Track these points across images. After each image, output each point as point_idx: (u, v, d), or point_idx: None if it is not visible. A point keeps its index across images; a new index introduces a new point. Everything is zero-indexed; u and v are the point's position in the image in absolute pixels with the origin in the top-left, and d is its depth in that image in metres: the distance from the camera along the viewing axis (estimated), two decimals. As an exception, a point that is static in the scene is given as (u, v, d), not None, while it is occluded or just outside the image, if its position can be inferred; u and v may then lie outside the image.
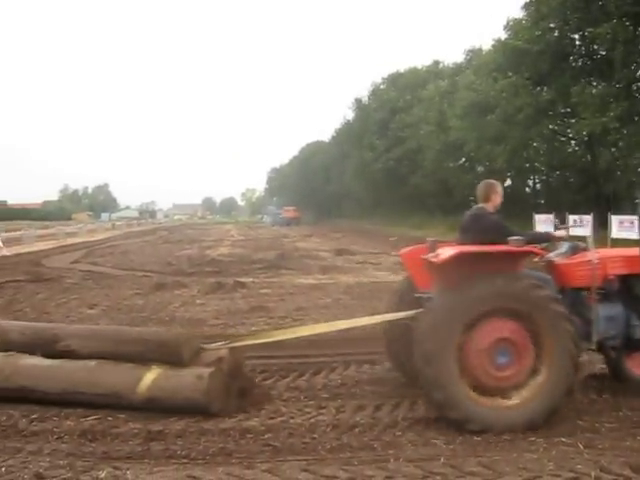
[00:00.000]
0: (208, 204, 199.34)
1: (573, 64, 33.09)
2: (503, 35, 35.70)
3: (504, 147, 34.17)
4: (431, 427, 5.55)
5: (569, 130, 33.60)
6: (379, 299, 12.99)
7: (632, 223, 24.89)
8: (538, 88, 33.26)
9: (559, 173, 42.08)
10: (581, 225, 27.81)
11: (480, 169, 45.63)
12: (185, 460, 4.96)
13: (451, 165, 47.15)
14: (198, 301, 13.35)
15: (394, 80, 61.86)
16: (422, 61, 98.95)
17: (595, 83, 29.28)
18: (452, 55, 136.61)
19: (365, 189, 66.09)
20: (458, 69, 48.16)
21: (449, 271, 5.80)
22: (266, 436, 5.42)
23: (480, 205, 6.62)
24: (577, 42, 32.72)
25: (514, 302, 5.65)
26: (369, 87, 67.34)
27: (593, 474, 4.49)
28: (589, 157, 36.18)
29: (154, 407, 5.95)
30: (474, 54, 45.93)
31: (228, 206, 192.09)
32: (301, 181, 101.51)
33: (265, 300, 13.32)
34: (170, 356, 6.27)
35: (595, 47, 31.11)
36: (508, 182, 45.78)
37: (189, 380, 6.00)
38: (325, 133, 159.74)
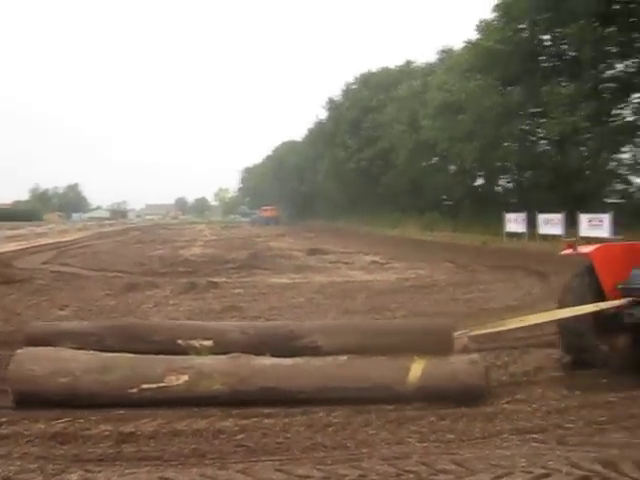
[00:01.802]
0: (181, 204, 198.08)
1: (543, 64, 33.41)
2: (475, 36, 36.05)
3: (475, 146, 34.45)
4: (404, 426, 5.56)
5: (539, 130, 33.87)
6: (352, 298, 13.12)
7: (601, 221, 25.23)
8: (509, 88, 33.56)
9: (530, 172, 42.42)
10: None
11: (452, 168, 45.90)
12: (158, 462, 4.90)
13: (423, 164, 47.35)
14: (171, 301, 13.29)
15: (366, 80, 62.05)
16: (394, 61, 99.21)
17: (565, 84, 29.53)
18: (424, 55, 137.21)
19: (338, 189, 66.26)
20: (430, 69, 48.40)
21: None
22: (239, 436, 5.38)
23: None
24: (547, 43, 33.06)
25: None
26: (342, 87, 67.59)
27: (564, 470, 4.51)
28: (559, 157, 36.55)
29: (425, 396, 6.04)
30: (446, 54, 46.20)
31: (201, 206, 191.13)
32: (274, 181, 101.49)
33: (238, 300, 13.30)
34: (438, 345, 6.40)
35: (564, 48, 31.46)
36: (480, 181, 46.23)
37: (464, 366, 6.19)
38: (298, 133, 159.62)
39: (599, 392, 6.50)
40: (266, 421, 5.74)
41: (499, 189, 45.96)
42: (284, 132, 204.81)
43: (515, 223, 31.59)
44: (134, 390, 6.05)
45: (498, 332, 7.48)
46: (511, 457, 4.78)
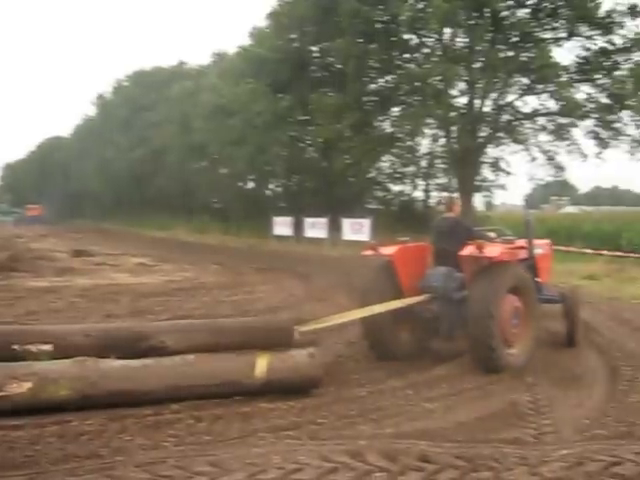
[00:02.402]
0: None
1: (312, 74, 34.68)
2: (248, 42, 36.61)
3: (245, 150, 34.96)
4: (161, 430, 5.51)
5: (307, 136, 35.15)
6: (116, 302, 12.72)
7: (362, 226, 26.65)
8: (279, 95, 34.44)
9: (298, 177, 43.86)
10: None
11: (223, 171, 46.22)
12: None
13: (195, 166, 47.24)
14: None
15: (139, 78, 60.65)
16: (167, 60, 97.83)
17: (331, 94, 30.86)
18: (198, 57, 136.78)
19: (107, 188, 63.93)
20: (203, 71, 48.43)
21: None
22: (-17, 452, 5.03)
23: (450, 214, 8.72)
24: (316, 54, 34.35)
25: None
26: (113, 83, 65.56)
27: (315, 463, 4.71)
28: (325, 163, 38.15)
29: (272, 389, 6.41)
30: (220, 58, 46.47)
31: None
32: (39, 178, 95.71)
33: (-10, 305, 12.36)
34: (280, 340, 6.81)
35: (331, 60, 32.86)
36: (250, 185, 46.97)
37: (303, 359, 6.63)
38: (65, 129, 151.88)
39: (351, 387, 6.87)
40: (14, 434, 5.39)
41: (269, 193, 47.01)
42: (50, 128, 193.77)
43: (283, 226, 32.39)
44: None
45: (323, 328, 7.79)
46: (266, 455, 4.89)
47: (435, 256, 8.64)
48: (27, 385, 5.77)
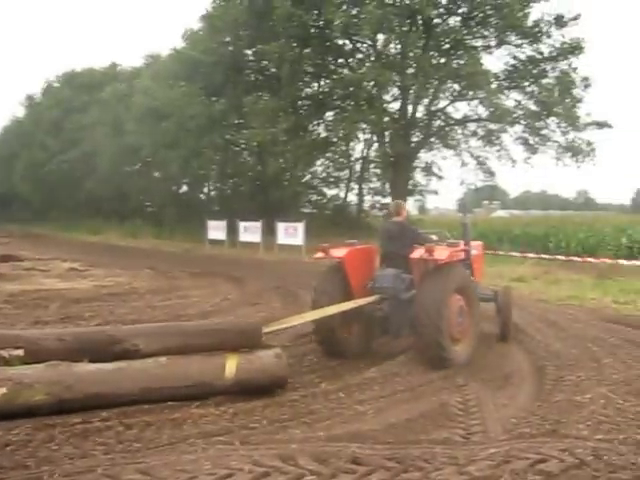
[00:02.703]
0: None
1: (246, 78, 34.59)
2: (181, 44, 36.27)
3: (179, 154, 34.61)
4: (90, 439, 5.38)
5: (242, 140, 35.00)
6: (44, 307, 12.42)
7: (295, 229, 26.71)
8: (213, 98, 34.24)
9: (232, 181, 43.70)
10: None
11: (157, 174, 45.71)
12: None
13: (127, 170, 46.56)
14: None
15: (70, 79, 59.41)
16: (100, 62, 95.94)
17: (266, 97, 30.80)
18: (131, 59, 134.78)
19: (36, 191, 62.26)
20: (137, 73, 47.73)
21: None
22: None
23: (397, 219, 9.18)
24: (250, 57, 34.27)
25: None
26: (42, 84, 64.06)
27: (247, 468, 4.68)
28: (260, 167, 38.14)
29: (242, 389, 6.56)
30: (153, 60, 45.91)
31: None
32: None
33: None
34: (248, 342, 6.95)
35: (266, 64, 32.83)
36: (184, 188, 46.59)
37: (270, 360, 6.81)
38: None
39: (284, 391, 6.86)
40: None
41: (203, 197, 46.75)
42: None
43: (217, 230, 32.18)
44: None
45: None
46: (196, 461, 4.84)
47: (383, 258, 9.06)
48: (1, 391, 5.70)
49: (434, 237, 9.35)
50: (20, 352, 6.24)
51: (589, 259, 19.84)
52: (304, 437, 5.49)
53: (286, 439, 5.44)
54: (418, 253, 8.15)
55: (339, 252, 8.83)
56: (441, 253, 8.07)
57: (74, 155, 52.03)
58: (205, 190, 47.05)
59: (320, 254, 8.98)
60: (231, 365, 6.63)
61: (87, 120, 49.71)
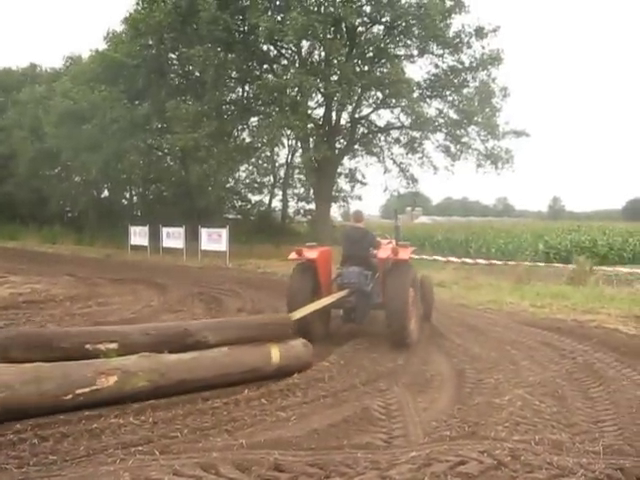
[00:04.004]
0: None
1: (170, 81, 34.17)
2: (103, 46, 35.51)
3: (100, 157, 33.89)
4: (2, 452, 5.18)
5: (165, 145, 34.54)
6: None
7: (220, 235, 26.54)
8: (136, 102, 33.68)
9: (155, 186, 43.07)
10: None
11: (77, 179, 44.66)
12: None
13: (47, 173, 45.29)
14: None
15: (-14, 80, 57.42)
16: (18, 62, 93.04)
17: (190, 102, 30.46)
18: (51, 60, 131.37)
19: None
20: (56, 75, 46.46)
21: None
22: None
23: (358, 225, 10.85)
24: (174, 61, 33.88)
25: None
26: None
27: (166, 478, 4.60)
28: (183, 172, 37.70)
29: (282, 374, 7.73)
30: (73, 61, 44.80)
31: None
32: None
33: None
34: (283, 333, 8.20)
35: (190, 68, 32.48)
36: (105, 193, 45.67)
37: (301, 348, 8.22)
38: None
39: (205, 399, 6.79)
40: None
41: (125, 202, 45.95)
42: None
43: (140, 236, 31.67)
44: (69, 397, 6.10)
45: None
46: (115, 472, 4.73)
47: (346, 258, 10.55)
48: (113, 379, 6.39)
49: (384, 241, 11.37)
50: (114, 345, 6.90)
51: (509, 263, 20.40)
52: (225, 445, 5.42)
53: (207, 447, 5.36)
54: (385, 253, 9.97)
55: (312, 254, 10.16)
56: (404, 253, 9.81)
57: (-11, 158, 50.28)
58: (127, 195, 46.20)
59: (294, 255, 10.23)
60: (275, 353, 7.78)
61: (4, 122, 48.09)
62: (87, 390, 6.21)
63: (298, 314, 8.83)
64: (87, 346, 6.78)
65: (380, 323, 10.49)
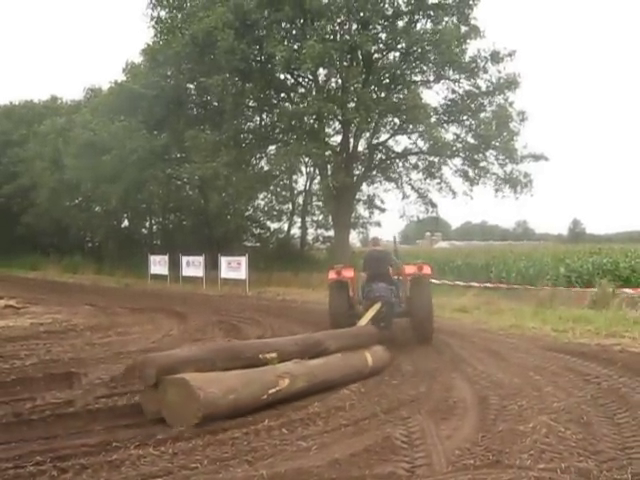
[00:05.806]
0: None
1: (188, 111, 34.43)
2: (122, 77, 35.92)
3: (119, 188, 34.11)
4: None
5: (184, 174, 34.72)
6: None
7: (239, 264, 26.58)
8: (155, 132, 33.95)
9: (175, 215, 43.31)
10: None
11: (97, 209, 45.00)
12: None
13: (67, 204, 45.69)
14: None
15: (8, 112, 58.21)
16: (39, 94, 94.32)
17: (209, 132, 30.62)
18: (71, 92, 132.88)
19: (-29, 226, 60.59)
20: (76, 107, 47.05)
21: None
22: None
23: (379, 248, 13.38)
24: (192, 91, 34.15)
25: None
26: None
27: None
28: (202, 201, 37.86)
29: (375, 373, 9.55)
30: (93, 93, 45.35)
31: None
32: None
33: None
34: (372, 341, 10.47)
35: (208, 97, 32.73)
36: (125, 223, 45.95)
37: (382, 353, 10.31)
38: None
39: (225, 429, 6.71)
40: None
41: (144, 231, 46.21)
42: None
43: (159, 265, 31.83)
44: (264, 397, 7.53)
45: None
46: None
47: (371, 276, 12.57)
48: (286, 381, 7.83)
49: (399, 261, 13.62)
50: (275, 354, 8.32)
51: (529, 287, 20.19)
52: (246, 476, 5.35)
53: (228, 478, 5.31)
54: (412, 270, 12.55)
55: (348, 273, 12.64)
56: (426, 269, 12.49)
57: (12, 189, 50.83)
58: (147, 224, 46.48)
59: (334, 275, 12.58)
60: (369, 357, 9.64)
61: (26, 154, 48.71)
62: (274, 390, 7.61)
63: (362, 322, 11.20)
64: (260, 355, 8.20)
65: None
